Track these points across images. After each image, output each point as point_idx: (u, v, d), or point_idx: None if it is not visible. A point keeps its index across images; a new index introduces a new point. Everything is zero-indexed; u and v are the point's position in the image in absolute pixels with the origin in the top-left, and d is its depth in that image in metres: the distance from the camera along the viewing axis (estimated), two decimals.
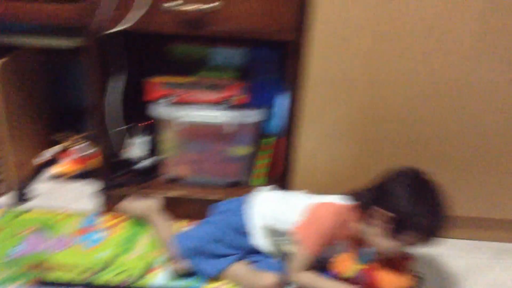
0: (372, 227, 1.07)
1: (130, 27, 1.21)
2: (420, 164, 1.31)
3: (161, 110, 1.39)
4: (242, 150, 1.45)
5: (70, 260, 1.28)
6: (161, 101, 1.38)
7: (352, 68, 1.23)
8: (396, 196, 1.02)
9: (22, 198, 1.51)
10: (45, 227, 1.40)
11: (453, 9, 1.15)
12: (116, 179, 1.49)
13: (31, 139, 1.61)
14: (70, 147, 1.59)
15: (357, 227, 1.10)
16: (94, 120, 1.38)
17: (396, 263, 1.13)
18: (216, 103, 1.38)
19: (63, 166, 1.60)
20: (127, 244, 1.36)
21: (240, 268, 1.23)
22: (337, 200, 1.16)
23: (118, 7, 1.19)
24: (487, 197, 1.39)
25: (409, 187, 1.03)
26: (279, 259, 1.23)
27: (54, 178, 1.63)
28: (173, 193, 1.46)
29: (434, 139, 1.32)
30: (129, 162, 1.53)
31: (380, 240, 1.05)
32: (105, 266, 1.27)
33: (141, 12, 1.19)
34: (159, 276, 1.25)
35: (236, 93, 1.36)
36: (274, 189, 1.34)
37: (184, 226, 1.38)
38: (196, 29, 1.22)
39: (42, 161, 1.63)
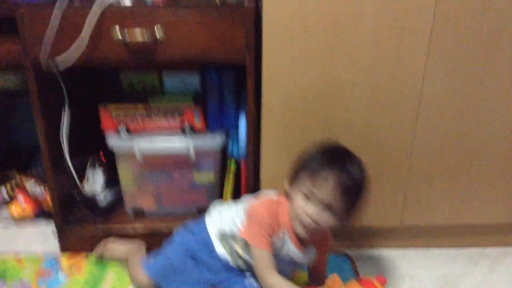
0: (293, 201, 1.06)
1: (81, 60, 1.16)
2: (386, 174, 1.31)
3: (117, 140, 1.33)
4: (206, 176, 1.40)
5: None
6: (116, 131, 1.32)
7: (305, 84, 1.21)
8: (309, 158, 1.07)
9: None
10: (2, 272, 1.31)
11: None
12: (74, 217, 1.41)
13: None
14: (24, 186, 1.51)
15: (288, 211, 1.09)
16: (42, 158, 1.31)
17: (370, 285, 1.10)
18: (174, 130, 1.33)
19: (17, 207, 1.51)
20: (94, 284, 1.28)
21: None
22: (271, 195, 1.16)
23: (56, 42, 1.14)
24: (457, 204, 1.38)
25: (322, 149, 1.08)
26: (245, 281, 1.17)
27: (9, 220, 1.54)
28: (138, 226, 1.39)
29: (399, 150, 1.30)
30: (88, 198, 1.45)
31: (301, 209, 1.03)
32: None
33: (82, 48, 1.14)
34: None
35: (194, 119, 1.31)
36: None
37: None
38: (146, 58, 1.16)
39: None
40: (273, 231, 1.09)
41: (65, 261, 1.37)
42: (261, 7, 1.13)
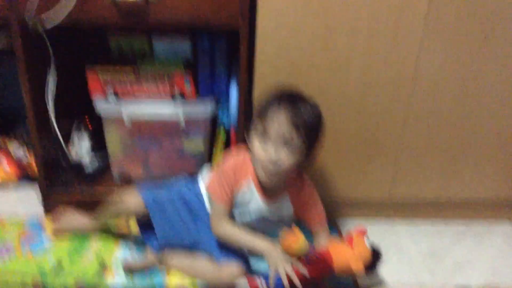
0: (252, 148, 1.06)
1: (68, 20, 1.11)
2: (378, 147, 1.29)
3: (105, 105, 1.29)
4: (195, 144, 1.38)
5: (19, 267, 1.20)
6: (104, 94, 1.29)
7: (300, 54, 1.18)
8: (262, 102, 1.07)
9: None
10: None
11: None
12: (59, 180, 1.38)
13: None
14: (7, 149, 1.47)
15: (250, 159, 1.10)
16: (27, 119, 1.27)
17: (350, 239, 1.10)
18: (164, 96, 1.30)
19: (0, 170, 1.48)
20: (78, 248, 1.27)
21: (200, 261, 1.19)
22: (243, 149, 1.16)
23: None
24: (446, 179, 1.39)
25: (275, 92, 1.07)
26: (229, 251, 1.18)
27: None
28: None
29: (392, 123, 1.30)
30: (73, 162, 1.43)
31: (258, 151, 1.04)
32: (57, 272, 1.19)
33: (70, 7, 1.09)
34: (116, 277, 1.19)
35: (184, 85, 1.28)
36: None
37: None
38: (137, 20, 1.12)
39: None
40: (236, 184, 1.10)
41: (49, 225, 1.35)
42: None
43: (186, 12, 1.12)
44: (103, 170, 1.45)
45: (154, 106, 1.29)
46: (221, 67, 1.31)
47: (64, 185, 1.39)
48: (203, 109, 1.31)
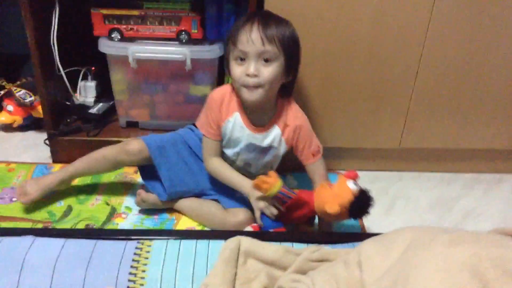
0: (232, 73, 1.06)
1: None
2: (389, 96, 1.27)
3: (110, 46, 1.26)
4: (202, 89, 1.35)
5: (29, 209, 1.20)
6: (109, 35, 1.25)
7: None
8: (235, 25, 1.06)
9: None
10: None
11: None
12: (65, 126, 1.37)
13: None
14: (14, 93, 1.45)
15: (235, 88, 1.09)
16: (32, 64, 1.25)
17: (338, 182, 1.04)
18: (170, 38, 1.26)
19: (7, 116, 1.47)
20: (87, 193, 1.27)
21: (207, 205, 1.18)
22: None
23: None
24: (456, 128, 1.36)
25: (246, 15, 1.07)
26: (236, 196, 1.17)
27: None
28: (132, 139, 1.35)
29: (404, 72, 1.27)
30: (80, 108, 1.41)
31: (237, 71, 1.04)
32: (65, 215, 1.19)
33: None
34: (126, 220, 1.19)
35: (191, 26, 1.25)
36: None
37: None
38: None
39: None
40: (221, 117, 1.11)
41: (57, 169, 1.34)
42: None
43: None
44: (110, 116, 1.43)
45: (159, 47, 1.26)
46: (230, 7, 1.27)
47: (71, 131, 1.37)
48: (210, 51, 1.27)
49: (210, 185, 1.21)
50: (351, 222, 1.20)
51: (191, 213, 1.20)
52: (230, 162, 1.17)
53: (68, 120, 1.39)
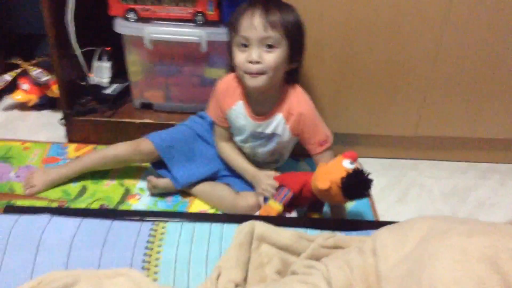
0: (234, 60, 1.05)
1: None
2: (406, 83, 1.25)
3: (126, 26, 1.25)
4: (217, 72, 1.34)
5: None
6: (124, 15, 1.25)
7: None
8: (236, 13, 1.05)
9: None
10: (8, 157, 1.31)
11: None
12: (80, 106, 1.38)
13: None
14: (29, 72, 1.45)
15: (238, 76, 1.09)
16: (49, 44, 1.26)
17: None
18: (186, 19, 1.25)
19: (23, 95, 1.48)
20: (101, 173, 1.27)
21: (219, 189, 1.19)
22: None
23: None
24: (473, 116, 1.34)
25: (246, 3, 1.05)
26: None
27: (14, 106, 1.52)
28: (146, 120, 1.36)
29: (421, 59, 1.25)
30: (95, 89, 1.41)
31: (239, 58, 1.03)
32: (80, 195, 1.20)
33: None
34: (139, 201, 1.20)
35: (207, 7, 1.23)
36: None
37: None
38: None
39: (2, 86, 1.49)
40: (225, 104, 1.12)
41: (72, 149, 1.35)
42: None
43: None
44: (125, 98, 1.43)
45: (175, 28, 1.25)
46: None
47: (86, 111, 1.38)
48: (226, 33, 1.26)
49: (223, 166, 1.22)
50: (364, 209, 1.20)
51: (204, 196, 1.21)
52: (239, 148, 1.19)
53: (83, 100, 1.39)
